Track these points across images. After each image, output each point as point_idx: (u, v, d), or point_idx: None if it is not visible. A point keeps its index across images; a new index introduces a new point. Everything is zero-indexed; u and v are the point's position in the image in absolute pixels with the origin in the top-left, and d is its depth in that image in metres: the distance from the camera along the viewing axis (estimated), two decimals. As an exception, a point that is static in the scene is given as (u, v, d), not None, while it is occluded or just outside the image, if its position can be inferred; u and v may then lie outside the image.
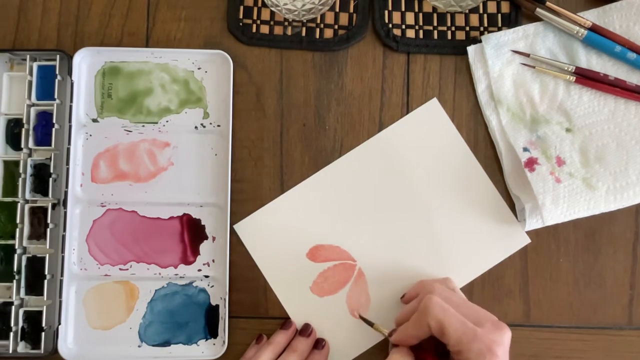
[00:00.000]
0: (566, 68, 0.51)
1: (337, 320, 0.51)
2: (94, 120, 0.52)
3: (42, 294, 0.49)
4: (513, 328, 0.50)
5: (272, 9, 0.52)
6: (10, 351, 0.48)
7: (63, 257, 0.50)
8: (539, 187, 0.50)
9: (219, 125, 0.52)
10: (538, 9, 0.51)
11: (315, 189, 0.52)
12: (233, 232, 0.51)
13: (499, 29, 0.53)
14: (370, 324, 0.48)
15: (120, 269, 0.51)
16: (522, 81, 0.52)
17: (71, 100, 0.51)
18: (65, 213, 0.50)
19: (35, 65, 0.51)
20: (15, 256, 0.49)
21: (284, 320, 0.51)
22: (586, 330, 0.51)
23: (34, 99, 0.51)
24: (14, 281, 0.49)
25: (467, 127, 0.52)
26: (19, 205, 0.49)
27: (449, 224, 0.51)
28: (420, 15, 0.53)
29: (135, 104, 0.52)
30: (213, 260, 0.51)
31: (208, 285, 0.51)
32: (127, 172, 0.52)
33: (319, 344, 0.50)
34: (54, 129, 0.50)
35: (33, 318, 0.49)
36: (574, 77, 0.51)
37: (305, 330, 0.50)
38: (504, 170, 0.51)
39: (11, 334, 0.48)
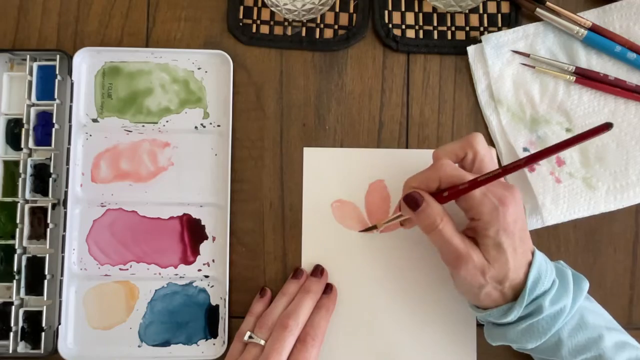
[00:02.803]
0: (566, 68, 0.51)
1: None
2: (94, 120, 0.52)
3: (42, 294, 0.49)
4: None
5: (272, 9, 0.52)
6: (10, 351, 0.48)
7: (63, 257, 0.50)
8: (538, 187, 0.50)
9: (219, 125, 0.52)
10: (538, 9, 0.51)
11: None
12: (233, 232, 0.51)
13: (499, 29, 0.53)
14: (374, 227, 0.50)
15: (120, 269, 0.51)
16: (522, 81, 0.52)
17: (71, 100, 0.51)
18: (65, 213, 0.50)
19: (35, 65, 0.51)
20: (15, 256, 0.49)
21: (295, 270, 0.51)
22: (586, 330, 0.50)
23: (34, 99, 0.51)
24: (14, 281, 0.49)
25: (467, 127, 0.52)
26: (19, 205, 0.49)
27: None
28: (420, 15, 0.53)
29: (135, 104, 0.52)
30: (213, 260, 0.51)
31: (208, 285, 0.51)
32: (127, 172, 0.52)
33: (327, 288, 0.50)
34: (54, 129, 0.50)
35: (33, 318, 0.49)
36: (574, 77, 0.51)
37: (316, 271, 0.50)
38: (504, 170, 0.51)
39: (11, 334, 0.48)
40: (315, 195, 0.52)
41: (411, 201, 0.42)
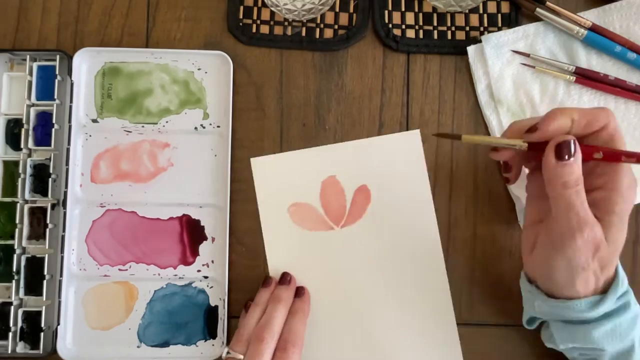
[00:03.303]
0: (566, 68, 0.51)
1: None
2: (94, 121, 0.52)
3: (41, 294, 0.49)
4: (513, 328, 0.51)
5: (272, 9, 0.52)
6: (9, 351, 0.48)
7: (62, 258, 0.50)
8: (539, 187, 0.50)
9: (218, 126, 0.52)
10: (538, 9, 0.51)
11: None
12: (232, 233, 0.51)
13: (499, 29, 0.52)
14: (458, 136, 0.41)
15: (119, 270, 0.51)
16: (522, 81, 0.52)
17: (71, 101, 0.51)
18: (64, 213, 0.50)
19: (35, 65, 0.51)
20: (15, 256, 0.49)
21: (264, 278, 0.50)
22: (587, 331, 0.50)
23: (34, 99, 0.51)
24: (13, 281, 0.49)
25: (467, 127, 0.52)
26: (18, 206, 0.49)
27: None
28: (420, 15, 0.53)
29: (135, 105, 0.52)
30: (212, 261, 0.51)
31: (207, 285, 0.51)
32: (126, 172, 0.52)
33: (298, 291, 0.50)
34: (53, 129, 0.50)
35: (32, 318, 0.49)
36: (574, 77, 0.51)
37: (284, 279, 0.50)
38: (504, 170, 0.51)
39: (10, 334, 0.48)
40: (270, 203, 0.52)
41: (566, 148, 0.37)
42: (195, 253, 0.51)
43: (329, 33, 0.53)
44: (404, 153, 0.52)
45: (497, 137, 0.41)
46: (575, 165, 0.37)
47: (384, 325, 0.50)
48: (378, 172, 0.52)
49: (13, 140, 0.52)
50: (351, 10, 0.53)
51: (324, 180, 0.52)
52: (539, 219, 0.42)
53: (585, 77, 0.51)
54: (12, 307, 0.49)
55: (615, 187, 0.38)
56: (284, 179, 0.52)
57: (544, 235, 0.40)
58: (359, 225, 0.51)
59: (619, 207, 0.38)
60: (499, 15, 0.53)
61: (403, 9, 0.53)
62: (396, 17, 0.53)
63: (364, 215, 0.51)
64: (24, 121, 0.50)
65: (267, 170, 0.52)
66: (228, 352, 0.45)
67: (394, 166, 0.52)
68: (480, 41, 0.52)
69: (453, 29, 0.53)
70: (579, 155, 0.37)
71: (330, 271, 0.51)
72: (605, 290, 0.39)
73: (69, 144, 0.51)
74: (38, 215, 0.50)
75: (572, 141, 0.37)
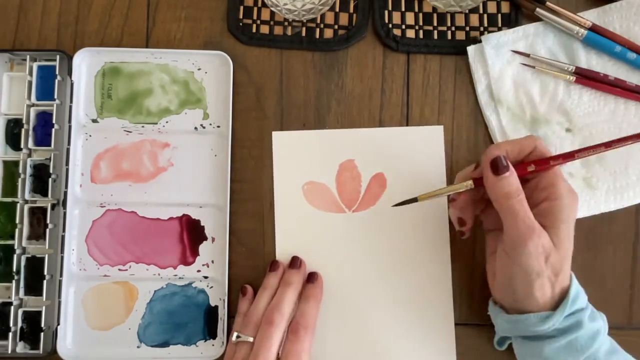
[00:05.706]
0: (566, 68, 0.51)
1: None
2: (94, 121, 0.52)
3: (41, 294, 0.49)
4: (513, 328, 0.50)
5: (272, 9, 0.52)
6: (9, 351, 0.48)
7: (62, 258, 0.50)
8: (539, 187, 0.50)
9: (218, 126, 0.52)
10: (538, 9, 0.51)
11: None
12: (233, 233, 0.51)
13: (499, 29, 0.52)
14: (413, 199, 0.45)
15: (119, 270, 0.51)
16: (522, 81, 0.52)
17: (71, 101, 0.51)
18: (64, 213, 0.50)
19: (35, 65, 0.51)
20: (15, 256, 0.49)
21: (271, 262, 0.50)
22: (587, 331, 0.50)
23: (34, 99, 0.51)
24: (13, 281, 0.49)
25: (467, 127, 0.52)
26: (18, 206, 0.49)
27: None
28: (420, 15, 0.53)
29: (135, 105, 0.52)
30: (212, 261, 0.51)
31: (207, 286, 0.51)
32: (126, 172, 0.52)
33: (311, 277, 0.50)
34: (53, 129, 0.50)
35: (32, 318, 0.49)
36: (574, 77, 0.51)
37: (295, 262, 0.50)
38: (504, 170, 0.51)
39: (10, 334, 0.48)
40: (286, 179, 0.52)
41: (499, 164, 0.41)
42: (195, 253, 0.51)
43: (329, 33, 0.53)
44: (424, 147, 0.52)
45: (446, 186, 0.46)
46: (511, 177, 0.41)
47: (382, 315, 0.50)
48: (397, 162, 0.52)
49: (13, 140, 0.52)
50: (351, 10, 0.53)
51: (342, 162, 0.52)
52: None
53: (585, 77, 0.51)
54: (12, 307, 0.49)
55: (557, 196, 0.41)
56: (302, 156, 0.52)
57: (500, 250, 0.43)
58: (370, 212, 0.52)
59: (563, 215, 0.40)
60: (499, 15, 0.53)
61: (403, 9, 0.53)
62: (396, 17, 0.53)
63: (377, 202, 0.51)
64: (24, 121, 0.50)
65: (287, 145, 0.52)
66: (238, 336, 0.46)
67: (413, 158, 0.52)
68: (480, 41, 0.52)
69: (453, 29, 0.53)
70: (512, 169, 0.41)
71: (336, 254, 0.51)
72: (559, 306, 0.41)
73: (69, 144, 0.51)
74: (38, 215, 0.50)
75: (501, 156, 0.41)
